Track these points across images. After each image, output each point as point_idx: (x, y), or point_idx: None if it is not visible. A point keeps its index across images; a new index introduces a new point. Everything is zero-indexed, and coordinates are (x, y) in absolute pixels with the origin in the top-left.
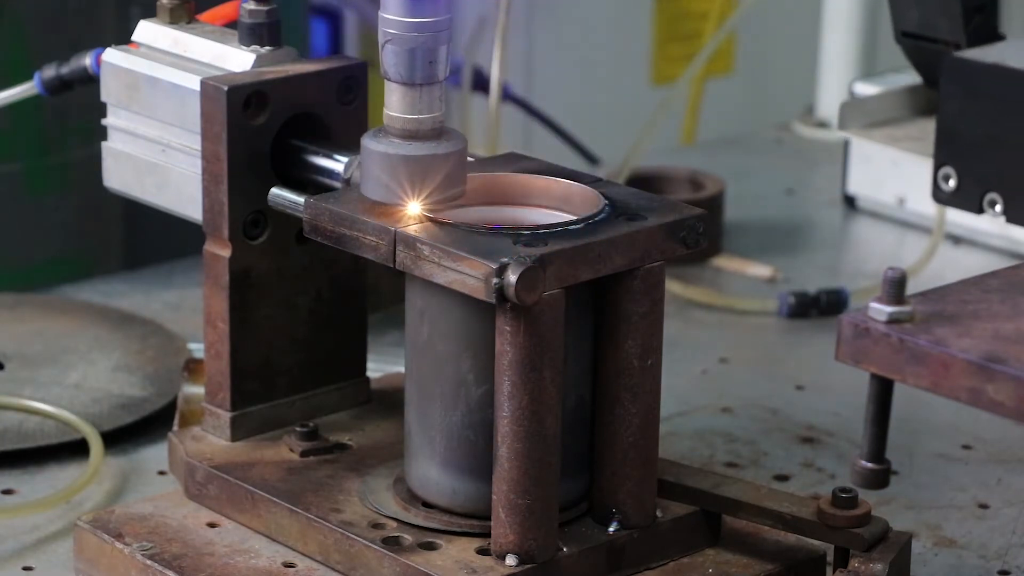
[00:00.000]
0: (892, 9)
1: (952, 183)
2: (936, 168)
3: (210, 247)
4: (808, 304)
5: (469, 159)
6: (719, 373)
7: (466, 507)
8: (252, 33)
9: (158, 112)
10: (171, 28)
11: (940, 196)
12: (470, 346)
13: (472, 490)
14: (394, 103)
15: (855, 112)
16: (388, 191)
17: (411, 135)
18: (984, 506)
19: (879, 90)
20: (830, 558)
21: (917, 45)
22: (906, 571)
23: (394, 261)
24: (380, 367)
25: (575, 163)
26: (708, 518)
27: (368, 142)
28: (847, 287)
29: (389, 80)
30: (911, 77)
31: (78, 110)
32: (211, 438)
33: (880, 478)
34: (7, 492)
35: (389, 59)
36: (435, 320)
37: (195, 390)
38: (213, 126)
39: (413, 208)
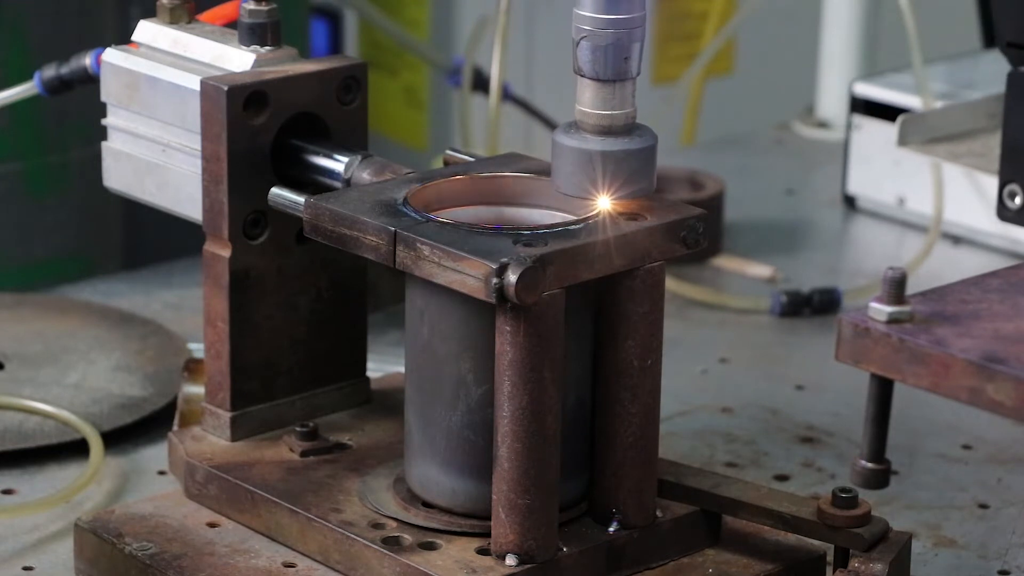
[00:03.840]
0: (996, 19)
1: (1019, 200)
2: (1001, 185)
3: (210, 247)
4: (800, 303)
5: (469, 159)
6: (719, 373)
7: (466, 507)
8: (252, 33)
9: (158, 112)
10: (171, 28)
11: (1005, 214)
12: (470, 346)
13: (472, 490)
14: (587, 99)
15: (915, 127)
16: (580, 186)
17: (604, 130)
18: (984, 506)
19: (943, 103)
20: (830, 558)
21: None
22: (906, 571)
23: (394, 261)
24: (380, 367)
25: None
26: (708, 518)
27: (561, 137)
28: (845, 287)
29: (583, 76)
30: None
31: (78, 110)
32: (211, 438)
33: (880, 478)
34: (7, 492)
35: (584, 56)
36: (435, 320)
37: (195, 390)
38: (213, 126)
39: (603, 202)
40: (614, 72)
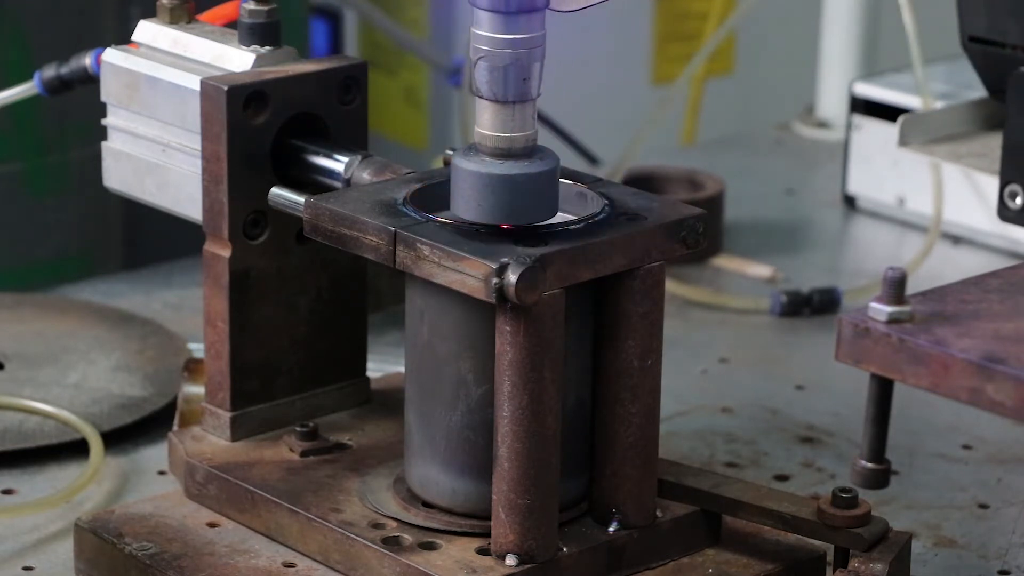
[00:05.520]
0: (960, 12)
1: (1020, 201)
2: (1002, 186)
3: (210, 247)
4: (800, 303)
5: None
6: (719, 373)
7: (466, 507)
8: (252, 33)
9: (158, 112)
10: (171, 28)
11: (1006, 215)
12: (470, 346)
13: (472, 490)
14: (486, 121)
15: (916, 127)
16: (480, 210)
17: (504, 153)
18: (984, 506)
19: (944, 104)
20: (830, 558)
21: (984, 51)
22: (906, 571)
23: (394, 261)
24: (380, 367)
25: (575, 163)
26: (708, 518)
27: (459, 160)
28: (846, 287)
29: (481, 98)
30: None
31: (78, 110)
32: (211, 438)
33: (880, 478)
34: (7, 492)
35: (482, 76)
36: (435, 320)
37: (195, 390)
38: (213, 126)
39: (504, 226)
40: (514, 94)
